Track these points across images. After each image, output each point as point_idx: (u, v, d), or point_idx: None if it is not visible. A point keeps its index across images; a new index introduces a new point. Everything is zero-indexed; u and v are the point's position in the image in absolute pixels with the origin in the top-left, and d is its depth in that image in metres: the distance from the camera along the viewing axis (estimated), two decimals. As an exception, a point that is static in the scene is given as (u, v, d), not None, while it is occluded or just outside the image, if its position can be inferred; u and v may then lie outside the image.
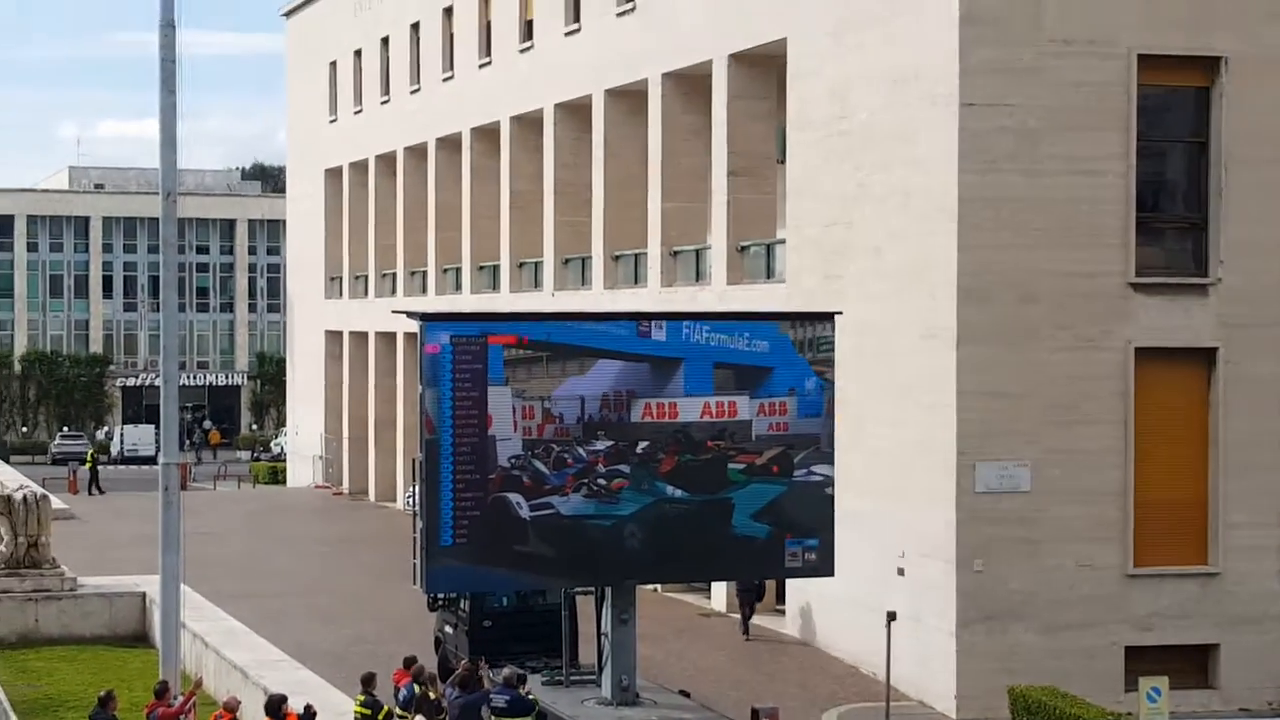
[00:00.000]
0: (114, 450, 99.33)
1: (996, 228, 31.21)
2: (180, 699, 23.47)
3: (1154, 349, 32.03)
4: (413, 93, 61.63)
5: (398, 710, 24.22)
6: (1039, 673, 30.47)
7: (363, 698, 23.78)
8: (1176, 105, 32.77)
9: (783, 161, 38.92)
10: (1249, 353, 32.41)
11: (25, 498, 39.29)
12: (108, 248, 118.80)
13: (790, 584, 36.89)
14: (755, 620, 38.65)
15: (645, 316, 27.79)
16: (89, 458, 73.79)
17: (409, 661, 25.02)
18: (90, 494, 68.80)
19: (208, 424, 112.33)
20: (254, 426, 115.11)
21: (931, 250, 31.92)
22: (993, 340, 31.29)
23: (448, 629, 32.64)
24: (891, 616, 29.45)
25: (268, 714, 22.88)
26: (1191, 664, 32.13)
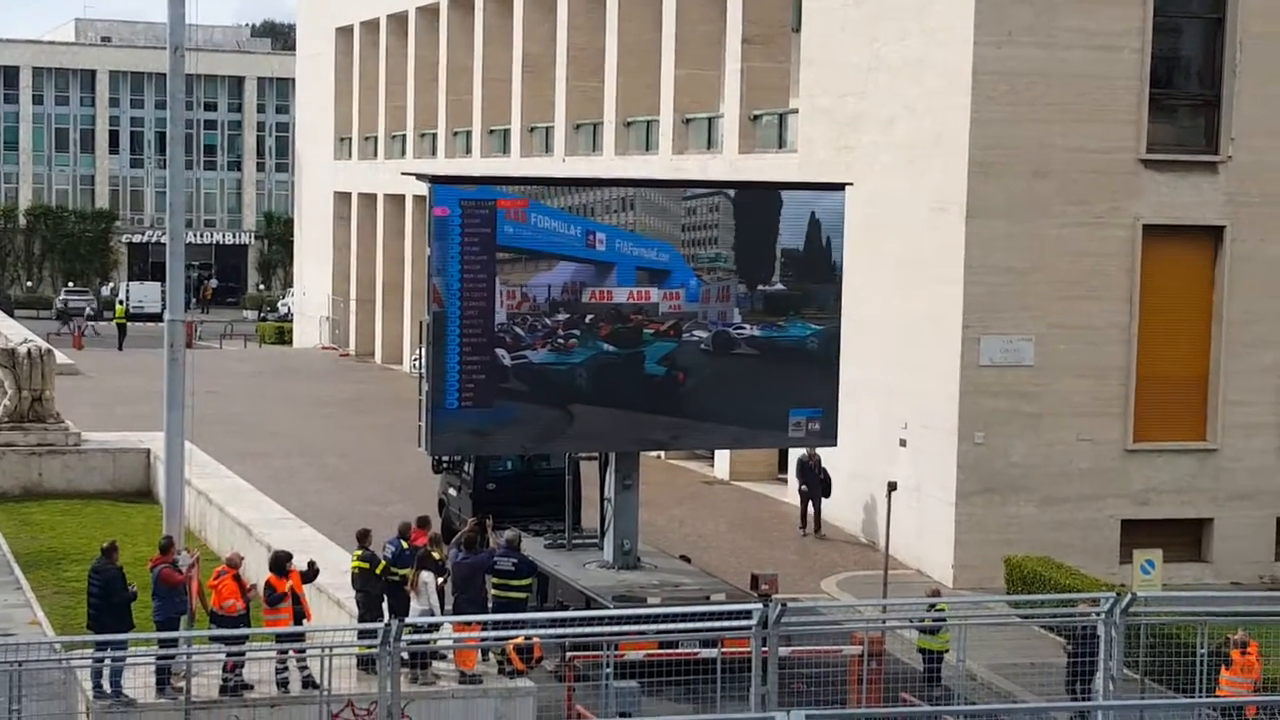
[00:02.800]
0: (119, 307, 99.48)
1: (1010, 101, 31.06)
2: (185, 559, 23.46)
3: (1162, 226, 32.02)
4: (424, -48, 61.03)
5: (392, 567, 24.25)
6: (1036, 544, 30.75)
7: (360, 552, 23.92)
8: (1194, -20, 32.53)
9: (798, 30, 38.64)
10: (1256, 231, 32.40)
11: (29, 351, 39.30)
12: (114, 102, 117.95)
13: (793, 453, 37.06)
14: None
15: (653, 184, 28.76)
16: (120, 314, 74.76)
17: (422, 521, 25.08)
18: (121, 349, 69.75)
19: (213, 281, 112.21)
20: (261, 286, 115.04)
21: (944, 123, 31.78)
22: (1002, 214, 31.26)
23: (452, 491, 32.90)
24: (892, 487, 29.64)
25: (272, 570, 23.04)
26: (1186, 538, 32.47)
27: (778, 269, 24.10)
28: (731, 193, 25.34)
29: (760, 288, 24.09)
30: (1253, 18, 32.02)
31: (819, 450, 33.00)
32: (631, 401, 24.11)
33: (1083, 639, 22.49)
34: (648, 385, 23.92)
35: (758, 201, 24.89)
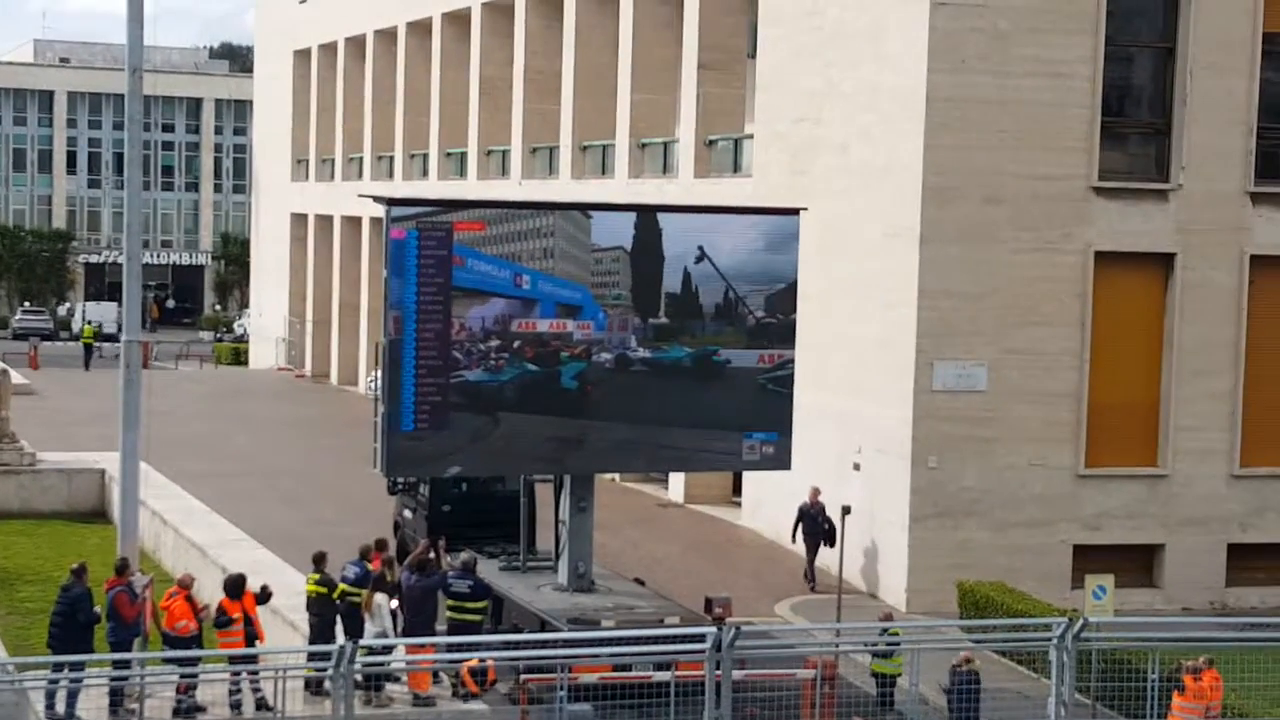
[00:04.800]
0: (75, 327, 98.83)
1: (963, 128, 31.31)
2: (139, 580, 23.40)
3: (1113, 253, 32.30)
4: (383, -25, 61.08)
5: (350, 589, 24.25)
6: (989, 569, 30.93)
7: (317, 576, 23.91)
8: (1146, 9, 32.83)
9: (753, 56, 38.84)
10: (1206, 259, 32.70)
11: (-15, 372, 39.18)
12: (72, 123, 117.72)
13: (747, 477, 37.23)
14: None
15: (603, 207, 29.73)
16: (88, 334, 74.11)
17: (380, 544, 25.05)
18: (87, 369, 69.40)
19: (170, 303, 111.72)
20: (217, 307, 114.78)
21: (898, 149, 32.01)
22: (955, 240, 31.49)
23: (407, 513, 32.90)
24: (846, 510, 29.80)
25: (226, 593, 23.05)
26: (1137, 563, 32.69)
27: (662, 306, 28.38)
28: (629, 247, 28.34)
29: (650, 320, 28.10)
30: (1203, 48, 32.36)
31: (821, 499, 32.82)
32: (549, 409, 27.91)
33: (964, 683, 22.77)
34: (563, 396, 27.75)
35: (647, 256, 28.51)
